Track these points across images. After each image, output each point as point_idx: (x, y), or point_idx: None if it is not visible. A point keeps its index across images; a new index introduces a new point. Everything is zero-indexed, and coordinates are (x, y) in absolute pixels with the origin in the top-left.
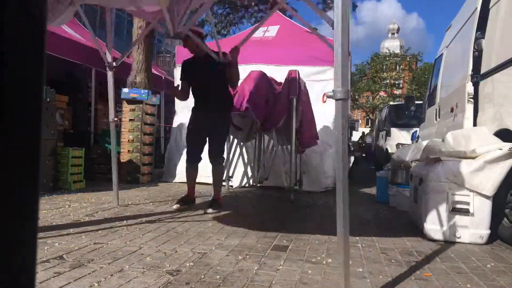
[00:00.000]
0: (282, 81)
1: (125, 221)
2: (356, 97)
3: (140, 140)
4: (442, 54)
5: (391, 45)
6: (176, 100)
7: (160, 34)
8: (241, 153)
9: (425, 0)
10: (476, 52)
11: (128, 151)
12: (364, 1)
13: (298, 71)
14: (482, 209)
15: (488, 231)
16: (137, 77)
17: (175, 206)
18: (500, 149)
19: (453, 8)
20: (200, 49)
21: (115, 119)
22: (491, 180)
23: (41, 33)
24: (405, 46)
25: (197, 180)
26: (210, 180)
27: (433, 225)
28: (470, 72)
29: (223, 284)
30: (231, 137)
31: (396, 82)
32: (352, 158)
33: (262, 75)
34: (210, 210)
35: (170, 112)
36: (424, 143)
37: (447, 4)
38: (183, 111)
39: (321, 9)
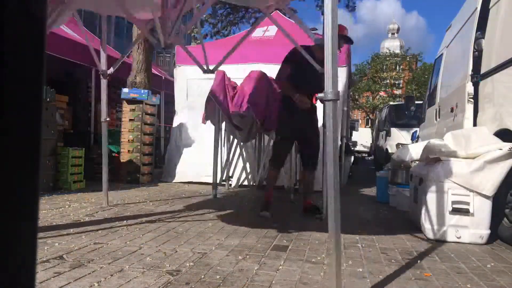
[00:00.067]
0: None
1: (125, 221)
2: (356, 97)
3: (140, 140)
4: (442, 54)
5: (391, 45)
6: (176, 100)
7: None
8: (241, 153)
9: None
10: (476, 52)
11: (128, 151)
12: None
13: None
14: (482, 209)
15: (488, 231)
16: (137, 77)
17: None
18: (500, 149)
19: (453, 8)
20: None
21: (107, 118)
22: (491, 180)
23: (41, 33)
24: (405, 46)
25: (196, 180)
26: (210, 179)
27: (433, 225)
28: (470, 72)
29: (223, 284)
30: (231, 137)
31: (396, 82)
32: (352, 158)
33: (262, 75)
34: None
35: (170, 112)
36: (424, 143)
37: (447, 3)
38: (183, 111)
39: (310, 31)
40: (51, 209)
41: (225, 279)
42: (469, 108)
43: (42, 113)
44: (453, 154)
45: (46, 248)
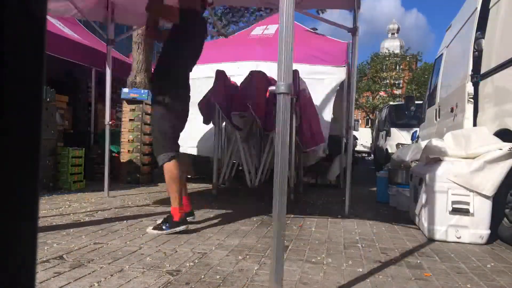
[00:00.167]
0: None
1: (125, 221)
2: (356, 97)
3: (140, 140)
4: (442, 54)
5: (391, 45)
6: None
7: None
8: (241, 153)
9: None
10: (476, 52)
11: (128, 151)
12: None
13: (297, 71)
14: (482, 209)
15: (488, 231)
16: (137, 77)
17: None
18: (500, 149)
19: (454, 7)
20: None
21: (110, 122)
22: (491, 180)
23: (41, 33)
24: (405, 46)
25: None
26: (194, 151)
27: (433, 225)
28: (470, 72)
29: (223, 284)
30: (231, 137)
31: (396, 82)
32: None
33: (262, 75)
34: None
35: None
36: (424, 143)
37: (447, 2)
38: None
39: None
40: (51, 209)
41: (225, 279)
42: (469, 108)
43: (42, 113)
44: (453, 154)
45: (46, 248)
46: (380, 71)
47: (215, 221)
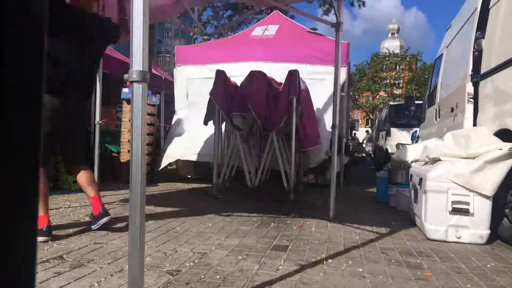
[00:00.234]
0: (281, 79)
1: (125, 221)
2: (356, 97)
3: None
4: (442, 54)
5: (391, 45)
6: (176, 100)
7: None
8: (241, 153)
9: None
10: (476, 52)
11: (128, 151)
12: None
13: (298, 71)
14: (482, 209)
15: (488, 231)
16: None
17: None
18: (500, 149)
19: (454, 6)
20: None
21: (100, 121)
22: (491, 180)
23: (41, 33)
24: (405, 46)
25: (183, 158)
26: (193, 158)
27: (433, 225)
28: (470, 72)
29: (223, 284)
30: (231, 137)
31: (396, 82)
32: (346, 159)
33: (262, 76)
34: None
35: (170, 112)
36: (424, 143)
37: (447, 1)
38: (183, 111)
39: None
40: (51, 209)
41: (225, 279)
42: (469, 108)
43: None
44: (453, 154)
45: (46, 248)
46: (380, 71)
47: (215, 221)
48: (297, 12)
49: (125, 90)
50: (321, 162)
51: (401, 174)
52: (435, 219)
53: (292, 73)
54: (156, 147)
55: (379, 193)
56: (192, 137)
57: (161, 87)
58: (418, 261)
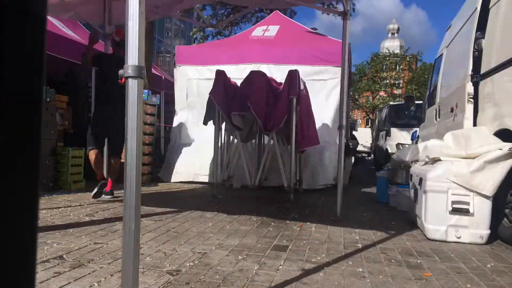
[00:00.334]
0: (282, 80)
1: None
2: (356, 97)
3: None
4: (442, 54)
5: (391, 45)
6: (176, 100)
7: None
8: (241, 153)
9: None
10: (476, 52)
11: None
12: None
13: (298, 71)
14: (482, 209)
15: (488, 231)
16: None
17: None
18: (500, 149)
19: (454, 7)
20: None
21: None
22: (491, 180)
23: (41, 33)
24: (405, 46)
25: (195, 179)
26: (207, 179)
27: (433, 225)
28: (470, 72)
29: (223, 284)
30: (231, 137)
31: (396, 82)
32: (352, 160)
33: (262, 76)
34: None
35: (170, 112)
36: (424, 143)
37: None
38: (183, 111)
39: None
40: (51, 209)
41: (225, 279)
42: (469, 108)
43: (42, 113)
44: (453, 154)
45: (46, 248)
46: (380, 71)
47: (215, 221)
48: (302, 3)
49: None
50: (327, 185)
51: (401, 174)
52: (435, 219)
53: (292, 73)
54: (156, 147)
55: (379, 193)
56: (200, 154)
57: (161, 87)
58: (418, 261)
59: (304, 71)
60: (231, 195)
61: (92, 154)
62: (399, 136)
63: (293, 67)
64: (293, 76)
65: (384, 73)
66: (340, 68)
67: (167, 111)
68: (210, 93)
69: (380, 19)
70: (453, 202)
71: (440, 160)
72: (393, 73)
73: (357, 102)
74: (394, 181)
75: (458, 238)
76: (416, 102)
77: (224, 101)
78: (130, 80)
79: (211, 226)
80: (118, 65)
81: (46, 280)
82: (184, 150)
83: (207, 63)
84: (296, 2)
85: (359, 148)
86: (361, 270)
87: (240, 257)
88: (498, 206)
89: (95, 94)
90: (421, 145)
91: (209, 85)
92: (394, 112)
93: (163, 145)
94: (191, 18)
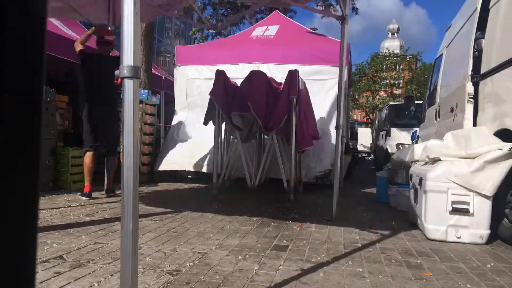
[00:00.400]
0: (282, 80)
1: None
2: (356, 97)
3: (140, 140)
4: (442, 54)
5: (391, 45)
6: (176, 100)
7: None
8: (241, 153)
9: None
10: (476, 52)
11: None
12: None
13: (297, 71)
14: (482, 209)
15: (488, 231)
16: None
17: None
18: (500, 149)
19: (454, 5)
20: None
21: None
22: (491, 180)
23: (41, 33)
24: (405, 46)
25: (188, 169)
26: (201, 169)
27: (433, 225)
28: (470, 72)
29: (223, 284)
30: (231, 137)
31: (396, 82)
32: (349, 158)
33: (262, 76)
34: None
35: (170, 112)
36: (424, 143)
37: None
38: (183, 111)
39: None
40: (51, 209)
41: (225, 279)
42: (469, 108)
43: (42, 113)
44: (453, 154)
45: (46, 248)
46: (380, 71)
47: (215, 221)
48: (301, 6)
49: None
50: (325, 171)
51: (401, 174)
52: (435, 219)
53: (292, 72)
54: (156, 147)
55: (379, 193)
56: (197, 145)
57: (161, 87)
58: (418, 261)
59: (304, 71)
60: (231, 195)
61: (88, 157)
62: (399, 136)
63: (293, 67)
64: (293, 76)
65: (384, 73)
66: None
67: (167, 111)
68: (210, 93)
69: (380, 18)
70: (453, 202)
71: (440, 160)
72: (393, 73)
73: (357, 102)
74: (394, 181)
75: (458, 238)
76: (416, 102)
77: (224, 101)
78: (126, 80)
79: (211, 226)
80: (115, 65)
81: (46, 280)
82: (179, 144)
83: (207, 63)
84: (290, 2)
85: (359, 148)
86: (361, 270)
87: (240, 257)
88: (498, 206)
89: (87, 94)
90: (421, 145)
91: (209, 85)
92: (394, 112)
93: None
94: (191, 20)
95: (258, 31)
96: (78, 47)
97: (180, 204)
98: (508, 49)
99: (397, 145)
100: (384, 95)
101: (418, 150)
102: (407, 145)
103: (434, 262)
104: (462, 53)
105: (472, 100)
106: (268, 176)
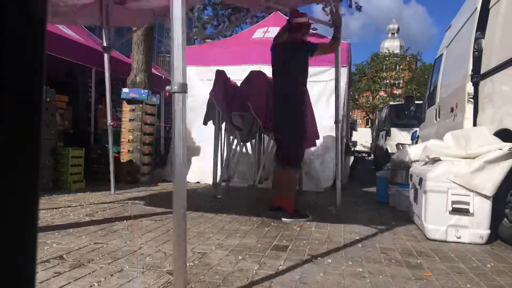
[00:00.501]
0: None
1: (125, 221)
2: (356, 97)
3: (140, 140)
4: (442, 54)
5: (391, 45)
6: None
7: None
8: (241, 153)
9: None
10: (476, 52)
11: (128, 151)
12: None
13: None
14: (482, 209)
15: (488, 231)
16: (137, 77)
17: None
18: (500, 149)
19: (454, 4)
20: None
21: (111, 123)
22: (491, 180)
23: (41, 33)
24: (405, 46)
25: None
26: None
27: (433, 225)
28: (470, 72)
29: (223, 284)
30: (231, 137)
31: (396, 82)
32: (352, 158)
33: (262, 76)
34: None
35: (170, 112)
36: (424, 143)
37: None
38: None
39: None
40: (51, 209)
41: (225, 279)
42: (469, 108)
43: (42, 113)
44: (453, 154)
45: (46, 248)
46: (380, 71)
47: (215, 221)
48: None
49: (125, 90)
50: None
51: (401, 174)
52: (435, 219)
53: None
54: (155, 147)
55: (379, 193)
56: (205, 155)
57: (161, 87)
58: (418, 261)
59: None
60: (231, 195)
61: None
62: (399, 136)
63: None
64: None
65: (384, 73)
66: (341, 69)
67: (167, 111)
68: (210, 93)
69: (380, 16)
70: (453, 202)
71: (440, 160)
72: (393, 73)
73: (357, 102)
74: (394, 181)
75: (458, 238)
76: (416, 102)
77: (224, 101)
78: (176, 95)
79: (211, 226)
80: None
81: (46, 280)
82: (192, 156)
83: (207, 64)
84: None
85: (360, 148)
86: (361, 270)
87: (240, 257)
88: (498, 206)
89: None
90: (421, 145)
91: (209, 85)
92: (394, 112)
93: (163, 145)
94: (188, 29)
95: (259, 32)
96: None
97: None
98: (508, 49)
99: (397, 145)
100: (384, 95)
101: (418, 150)
102: (407, 145)
103: (434, 262)
104: (462, 53)
105: (472, 100)
106: (268, 176)
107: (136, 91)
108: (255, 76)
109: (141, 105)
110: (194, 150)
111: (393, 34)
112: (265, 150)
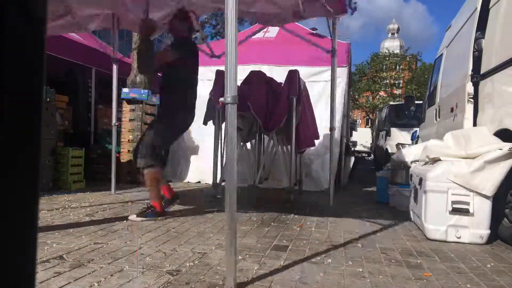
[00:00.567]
0: (282, 81)
1: (125, 221)
2: (356, 97)
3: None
4: (442, 54)
5: (391, 45)
6: None
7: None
8: (241, 153)
9: None
10: (476, 52)
11: (128, 151)
12: None
13: (297, 71)
14: (482, 209)
15: (488, 231)
16: (137, 77)
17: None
18: (500, 149)
19: (455, 6)
20: None
21: (116, 123)
22: (491, 180)
23: (41, 33)
24: (405, 46)
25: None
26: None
27: (433, 225)
28: (470, 72)
29: (223, 284)
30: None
31: (396, 82)
32: (353, 159)
33: (262, 76)
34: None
35: None
36: (424, 143)
37: None
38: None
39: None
40: (51, 209)
41: (225, 279)
42: (469, 108)
43: (42, 113)
44: (453, 154)
45: (46, 248)
46: (380, 71)
47: (215, 221)
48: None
49: (125, 90)
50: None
51: (401, 174)
52: (435, 219)
53: (292, 73)
54: None
55: (379, 193)
56: (205, 155)
57: None
58: (418, 261)
59: (305, 72)
60: None
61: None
62: (399, 136)
63: (293, 68)
64: (293, 76)
65: (384, 73)
66: (341, 69)
67: None
68: (210, 93)
69: (379, 16)
70: (453, 202)
71: (440, 160)
72: (393, 73)
73: (357, 102)
74: (394, 181)
75: (458, 238)
76: (416, 102)
77: None
78: (229, 106)
79: (211, 226)
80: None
81: (46, 280)
82: (190, 152)
83: (207, 64)
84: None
85: (360, 148)
86: (361, 270)
87: (240, 257)
88: (498, 206)
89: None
90: (421, 145)
91: (209, 85)
92: (394, 112)
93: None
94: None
95: (258, 33)
96: None
97: (180, 204)
98: (508, 49)
99: (397, 145)
100: (384, 95)
101: (418, 150)
102: (407, 145)
103: (434, 262)
104: (462, 53)
105: (472, 100)
106: (268, 176)
107: (136, 91)
108: (255, 76)
109: (141, 105)
110: (193, 150)
111: (393, 34)
112: (265, 150)
